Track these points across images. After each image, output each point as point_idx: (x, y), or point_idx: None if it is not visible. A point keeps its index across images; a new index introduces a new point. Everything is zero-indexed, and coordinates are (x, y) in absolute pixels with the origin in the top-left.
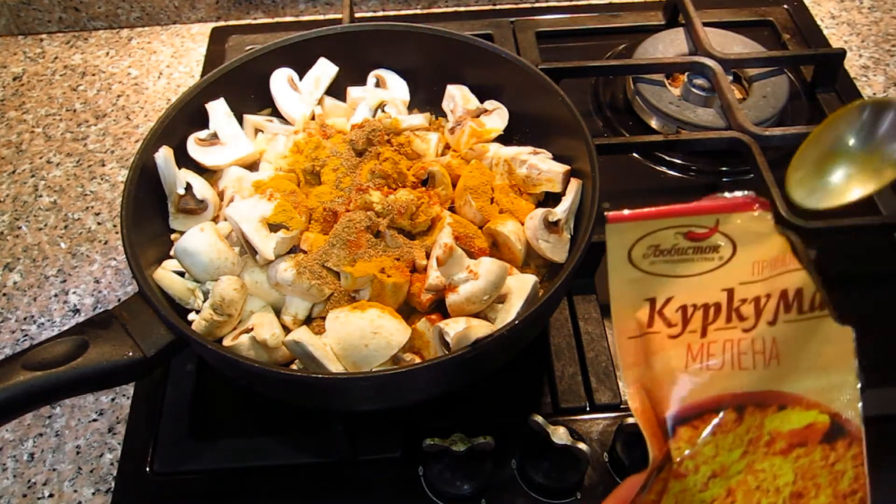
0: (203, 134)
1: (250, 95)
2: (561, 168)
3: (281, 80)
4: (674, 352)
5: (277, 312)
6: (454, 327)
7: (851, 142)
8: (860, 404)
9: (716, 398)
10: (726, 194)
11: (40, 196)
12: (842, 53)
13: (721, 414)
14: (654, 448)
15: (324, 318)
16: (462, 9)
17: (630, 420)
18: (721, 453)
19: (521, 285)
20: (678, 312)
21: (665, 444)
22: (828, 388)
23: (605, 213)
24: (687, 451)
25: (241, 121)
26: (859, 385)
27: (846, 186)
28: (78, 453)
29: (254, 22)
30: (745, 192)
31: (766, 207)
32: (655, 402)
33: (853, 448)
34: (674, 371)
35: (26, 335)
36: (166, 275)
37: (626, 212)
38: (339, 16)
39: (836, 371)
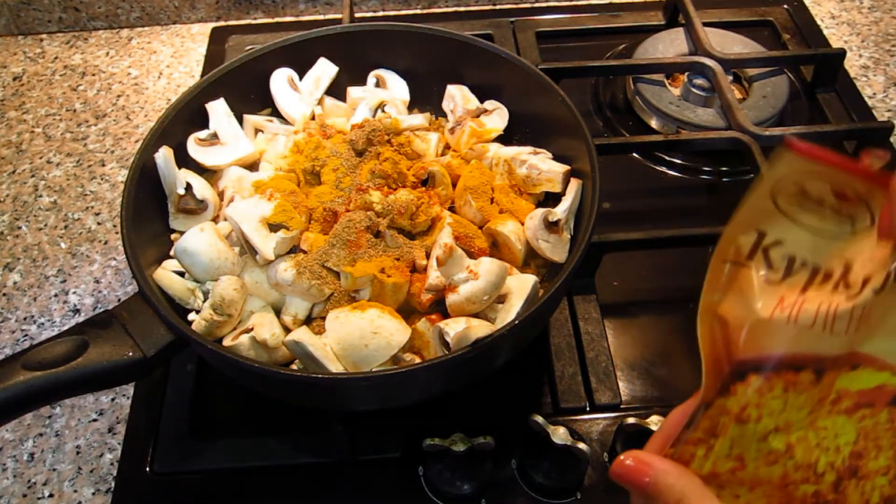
0: (203, 134)
1: (250, 95)
2: (561, 168)
3: (281, 80)
4: (765, 296)
5: (277, 312)
6: (454, 327)
7: None
8: None
9: (798, 356)
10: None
11: (40, 196)
12: (842, 53)
13: (798, 373)
14: (709, 382)
15: (324, 318)
16: (462, 9)
17: (630, 420)
18: (789, 410)
19: (521, 285)
20: (784, 260)
21: (723, 383)
22: None
23: (787, 138)
24: (755, 400)
25: (241, 121)
26: None
27: None
28: (78, 453)
29: (254, 22)
30: None
31: None
32: (729, 339)
33: None
34: (759, 316)
35: (26, 335)
36: (166, 275)
37: (807, 145)
38: (339, 16)
39: None
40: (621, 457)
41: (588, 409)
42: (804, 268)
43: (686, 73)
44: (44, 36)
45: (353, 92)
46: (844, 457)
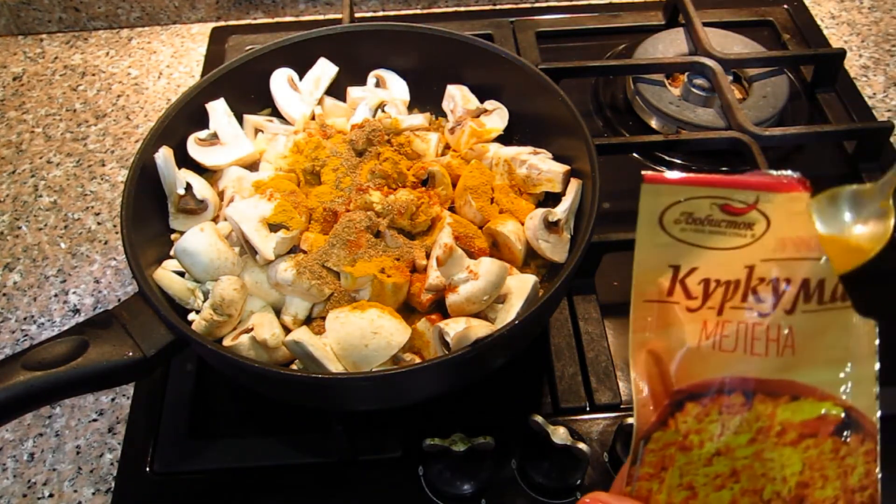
0: (203, 134)
1: (250, 95)
2: (561, 168)
3: (281, 80)
4: (689, 326)
5: (277, 312)
6: (454, 327)
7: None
8: (878, 401)
9: (725, 380)
10: (772, 172)
11: (40, 196)
12: (842, 53)
13: (729, 396)
14: (644, 417)
15: (324, 318)
16: (462, 9)
17: (630, 420)
18: (726, 434)
19: (521, 285)
20: (700, 285)
21: (657, 412)
22: (845, 380)
23: (642, 173)
24: (695, 427)
25: (241, 121)
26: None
27: None
28: (78, 453)
29: (254, 22)
30: (790, 172)
31: (809, 189)
32: (664, 373)
33: (867, 444)
34: (687, 346)
35: (26, 335)
36: (166, 275)
37: (663, 174)
38: (339, 16)
39: (856, 364)
40: (586, 498)
41: (588, 409)
42: (718, 286)
43: (686, 73)
44: (44, 36)
45: (353, 92)
46: (791, 486)
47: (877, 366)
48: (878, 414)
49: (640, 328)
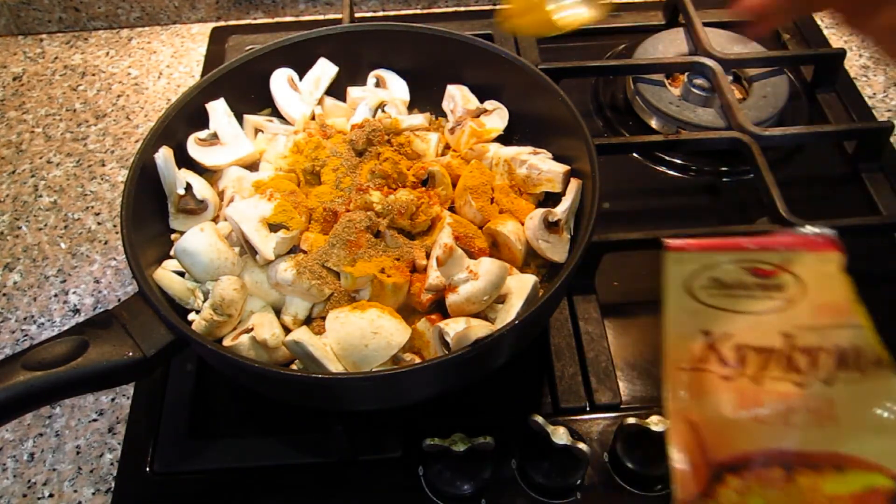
0: (203, 134)
1: (250, 95)
2: (561, 168)
3: (281, 80)
4: (726, 395)
5: (277, 312)
6: (454, 327)
7: None
8: None
9: (763, 452)
10: (801, 230)
11: (40, 196)
12: (842, 53)
13: (768, 469)
14: (689, 485)
15: (324, 318)
16: (462, 9)
17: (630, 420)
18: None
19: (521, 285)
20: (734, 352)
21: (702, 483)
22: (891, 450)
23: (664, 241)
24: (736, 500)
25: (241, 121)
26: None
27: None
28: (78, 453)
29: (254, 22)
30: (821, 231)
31: (841, 249)
32: (702, 442)
33: None
34: (724, 416)
35: (26, 335)
36: (166, 275)
37: (686, 241)
38: (339, 16)
39: None
40: None
41: (588, 409)
42: (753, 353)
43: (686, 73)
44: (44, 36)
45: (353, 92)
46: None
47: None
48: None
49: (675, 397)
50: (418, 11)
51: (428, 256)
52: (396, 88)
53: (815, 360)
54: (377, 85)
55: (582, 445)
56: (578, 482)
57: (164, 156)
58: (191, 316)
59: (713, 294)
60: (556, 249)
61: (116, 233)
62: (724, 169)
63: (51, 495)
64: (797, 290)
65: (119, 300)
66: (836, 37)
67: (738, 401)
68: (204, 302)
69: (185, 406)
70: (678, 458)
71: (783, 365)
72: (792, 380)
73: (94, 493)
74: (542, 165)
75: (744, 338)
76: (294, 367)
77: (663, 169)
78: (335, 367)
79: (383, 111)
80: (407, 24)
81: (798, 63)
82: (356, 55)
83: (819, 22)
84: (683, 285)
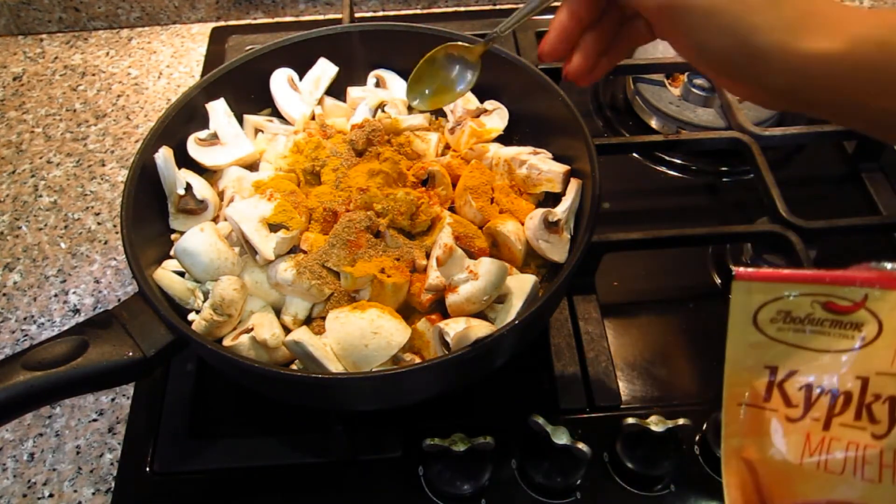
0: (203, 134)
1: (250, 95)
2: (561, 168)
3: (281, 80)
4: (791, 438)
5: (277, 312)
6: (454, 327)
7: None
8: None
9: (828, 502)
10: (883, 265)
11: (40, 196)
12: None
13: None
14: None
15: (324, 318)
16: (462, 9)
17: (630, 420)
18: None
19: (521, 285)
20: (801, 391)
21: None
22: None
23: (733, 269)
24: None
25: (241, 121)
26: None
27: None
28: (78, 453)
29: (254, 22)
30: None
31: None
32: (761, 487)
33: None
34: (786, 459)
35: (26, 335)
36: (166, 275)
37: (756, 270)
38: (339, 16)
39: None
40: None
41: (588, 409)
42: (824, 394)
43: (686, 73)
44: (44, 36)
45: (353, 92)
46: None
47: None
48: None
49: (733, 433)
50: (418, 11)
51: (428, 256)
52: (396, 88)
53: (894, 411)
54: (377, 85)
55: (582, 445)
56: (578, 482)
57: (164, 156)
58: (191, 316)
59: (782, 328)
60: (556, 249)
61: (116, 233)
62: (723, 169)
63: (51, 495)
64: (875, 331)
65: (119, 300)
66: None
67: (802, 444)
68: (204, 302)
69: (185, 406)
70: (734, 498)
71: (860, 413)
72: (869, 430)
73: (94, 493)
74: (542, 165)
75: (812, 377)
76: (294, 367)
77: (663, 169)
78: (335, 367)
79: (383, 111)
80: (407, 24)
81: None
82: (356, 55)
83: None
84: (750, 316)
